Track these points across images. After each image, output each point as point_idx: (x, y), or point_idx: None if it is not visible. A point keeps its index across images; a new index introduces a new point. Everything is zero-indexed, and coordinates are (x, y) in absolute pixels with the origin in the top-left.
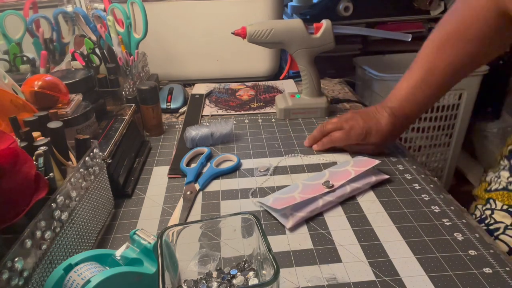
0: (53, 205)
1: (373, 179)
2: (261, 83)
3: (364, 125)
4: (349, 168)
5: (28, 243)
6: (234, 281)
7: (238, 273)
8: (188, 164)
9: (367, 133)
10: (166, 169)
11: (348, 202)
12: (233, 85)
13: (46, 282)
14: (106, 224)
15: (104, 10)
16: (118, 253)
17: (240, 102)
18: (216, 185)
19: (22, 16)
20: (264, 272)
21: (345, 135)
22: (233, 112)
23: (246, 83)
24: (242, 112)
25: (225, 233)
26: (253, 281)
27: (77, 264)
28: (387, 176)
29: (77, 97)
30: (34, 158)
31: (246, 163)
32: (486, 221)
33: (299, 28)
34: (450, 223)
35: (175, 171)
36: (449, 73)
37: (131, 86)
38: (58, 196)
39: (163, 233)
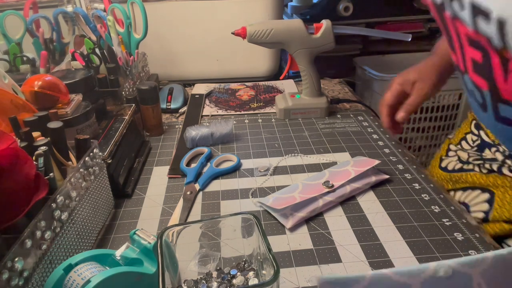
0: (53, 205)
1: (373, 179)
2: (261, 83)
3: (400, 74)
4: (349, 168)
5: (28, 243)
6: (234, 281)
7: (238, 273)
8: (188, 164)
9: (403, 77)
10: (166, 169)
11: (348, 202)
12: (233, 85)
13: (46, 282)
14: (106, 224)
15: (104, 10)
16: (118, 253)
17: (240, 102)
18: (216, 185)
19: (22, 16)
20: (264, 272)
21: (389, 92)
22: (233, 112)
23: (246, 83)
24: (242, 112)
25: (225, 233)
26: (253, 281)
27: (77, 264)
28: (387, 176)
29: (77, 97)
30: (34, 158)
31: (246, 163)
32: None
33: (299, 28)
34: (450, 223)
35: (175, 171)
36: None
37: (131, 86)
38: (58, 196)
39: (163, 233)
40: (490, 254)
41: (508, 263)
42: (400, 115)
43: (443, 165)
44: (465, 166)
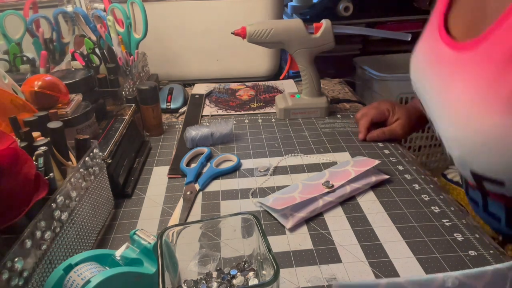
0: (53, 205)
1: (373, 179)
2: (261, 83)
3: (391, 102)
4: (349, 168)
5: (28, 243)
6: (234, 281)
7: (238, 273)
8: (188, 164)
9: (393, 106)
10: (166, 169)
11: (348, 202)
12: (233, 85)
13: (46, 282)
14: (106, 224)
15: (104, 10)
16: (118, 253)
17: (240, 102)
18: (216, 185)
19: (22, 16)
20: (264, 272)
21: (377, 107)
22: (233, 112)
23: (246, 83)
24: (242, 112)
25: (225, 233)
26: (253, 281)
27: (77, 264)
28: (387, 176)
29: (77, 97)
30: (34, 158)
31: (246, 163)
32: None
33: (299, 28)
34: (450, 223)
35: (175, 171)
36: None
37: (131, 86)
38: (58, 196)
39: (163, 233)
40: (490, 268)
41: (506, 277)
42: (372, 135)
43: (446, 172)
44: (457, 178)
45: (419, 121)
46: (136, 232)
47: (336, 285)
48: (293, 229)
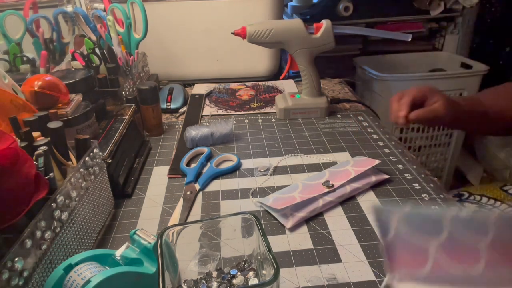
0: (53, 205)
1: (373, 179)
2: (261, 83)
3: (427, 85)
4: (349, 168)
5: (28, 243)
6: (234, 281)
7: (238, 273)
8: (188, 164)
9: (431, 89)
10: (166, 169)
11: (348, 202)
12: (233, 85)
13: (46, 282)
14: (106, 224)
15: (104, 10)
16: (118, 253)
17: (240, 102)
18: (216, 185)
19: (22, 16)
20: (264, 272)
21: (417, 88)
22: (233, 112)
23: (246, 83)
24: (242, 112)
25: (225, 233)
26: (253, 281)
27: (77, 264)
28: (387, 176)
29: (77, 97)
30: (34, 158)
31: (246, 163)
32: None
33: (299, 28)
34: None
35: (175, 171)
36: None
37: (131, 86)
38: (58, 196)
39: (163, 233)
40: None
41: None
42: (416, 114)
43: (505, 188)
44: None
45: (460, 114)
46: (136, 232)
47: (374, 208)
48: (293, 229)
